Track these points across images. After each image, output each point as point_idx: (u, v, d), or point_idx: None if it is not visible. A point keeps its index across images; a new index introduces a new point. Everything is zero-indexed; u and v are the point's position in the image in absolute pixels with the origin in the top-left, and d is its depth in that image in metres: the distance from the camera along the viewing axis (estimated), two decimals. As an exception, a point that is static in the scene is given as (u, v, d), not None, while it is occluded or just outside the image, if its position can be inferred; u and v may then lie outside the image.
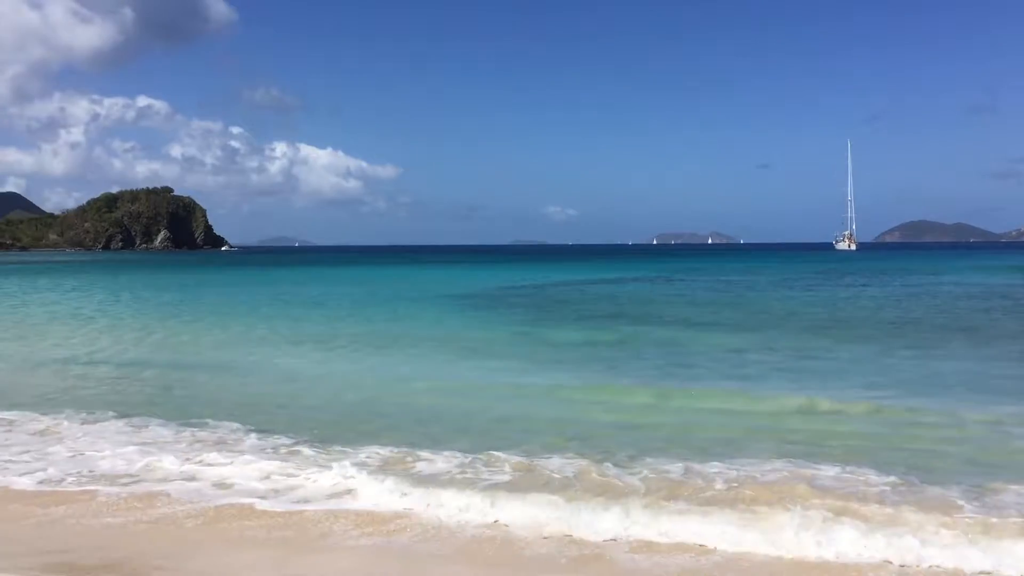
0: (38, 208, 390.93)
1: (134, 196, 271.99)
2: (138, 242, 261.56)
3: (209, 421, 14.13)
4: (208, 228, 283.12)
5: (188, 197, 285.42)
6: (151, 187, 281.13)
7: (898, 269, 77.48)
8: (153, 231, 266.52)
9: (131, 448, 12.22)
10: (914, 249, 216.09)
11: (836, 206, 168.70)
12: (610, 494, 9.69)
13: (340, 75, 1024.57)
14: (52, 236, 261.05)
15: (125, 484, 10.66)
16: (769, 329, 27.08)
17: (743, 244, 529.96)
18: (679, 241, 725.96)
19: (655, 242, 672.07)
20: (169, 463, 11.41)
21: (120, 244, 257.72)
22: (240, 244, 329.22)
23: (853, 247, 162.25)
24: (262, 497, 10.06)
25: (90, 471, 11.24)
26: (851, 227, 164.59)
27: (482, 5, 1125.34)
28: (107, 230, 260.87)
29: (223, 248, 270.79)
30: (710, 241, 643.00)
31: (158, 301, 45.03)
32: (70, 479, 10.92)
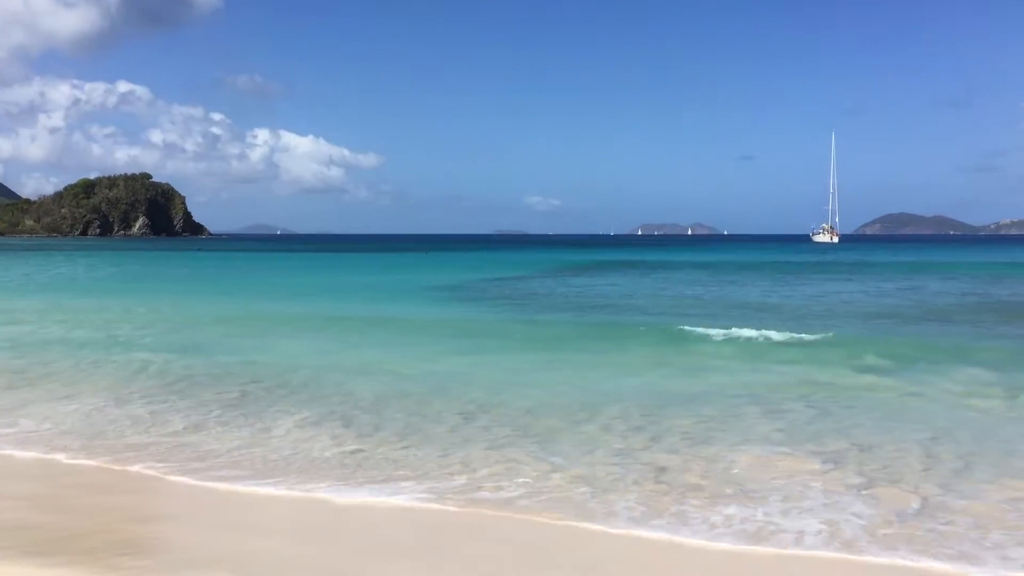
0: (15, 194, 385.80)
1: (112, 182, 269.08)
2: (116, 229, 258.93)
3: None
4: (187, 215, 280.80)
5: (167, 184, 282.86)
6: (130, 173, 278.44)
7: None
8: (131, 218, 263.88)
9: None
10: (899, 242, 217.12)
11: (818, 198, 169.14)
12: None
13: (323, 62, 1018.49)
14: (28, 222, 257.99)
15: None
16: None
17: (726, 235, 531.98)
18: (662, 232, 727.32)
19: (639, 232, 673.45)
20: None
21: (98, 231, 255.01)
22: (220, 232, 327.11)
23: (835, 240, 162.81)
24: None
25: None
26: (833, 219, 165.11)
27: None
28: (84, 216, 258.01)
29: (202, 236, 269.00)
30: (690, 232, 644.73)
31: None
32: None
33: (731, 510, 8.88)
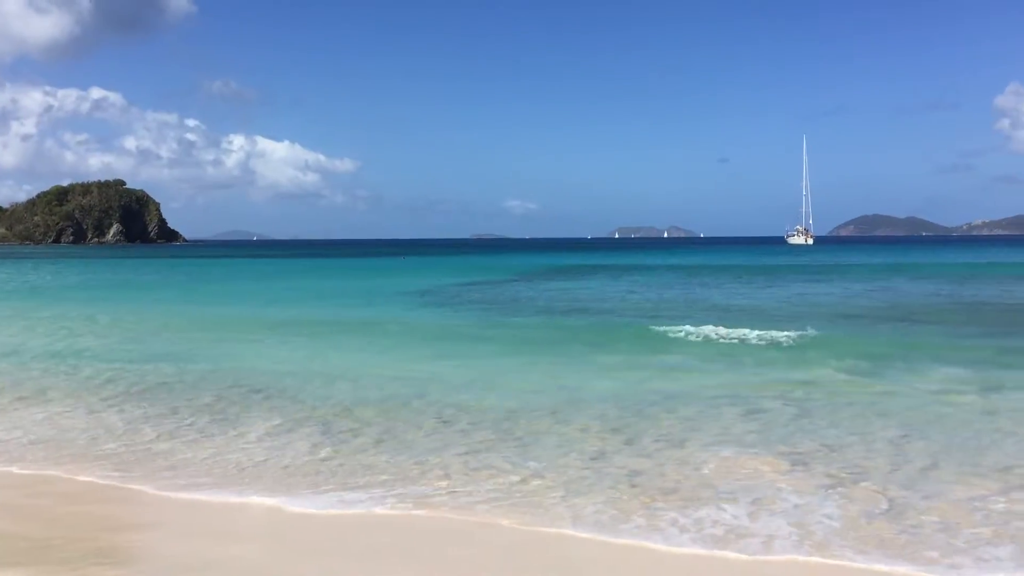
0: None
1: (85, 189, 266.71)
2: (89, 236, 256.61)
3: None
4: (162, 222, 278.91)
5: (141, 190, 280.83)
6: (103, 180, 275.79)
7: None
8: (105, 225, 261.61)
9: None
10: (872, 244, 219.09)
11: (793, 200, 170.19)
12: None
13: (298, 68, 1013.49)
14: (0, 230, 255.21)
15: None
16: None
17: (702, 238, 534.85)
18: (639, 235, 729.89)
19: (616, 235, 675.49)
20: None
21: (71, 238, 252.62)
22: (195, 238, 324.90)
23: (810, 242, 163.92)
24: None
25: None
26: (807, 221, 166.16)
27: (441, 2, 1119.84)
28: (57, 224, 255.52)
29: (177, 242, 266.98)
30: (666, 235, 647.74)
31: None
32: None
33: (702, 513, 8.93)
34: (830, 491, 9.57)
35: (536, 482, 10.11)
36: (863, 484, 9.80)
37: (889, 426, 12.54)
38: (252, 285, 54.00)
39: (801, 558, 7.76)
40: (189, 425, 13.36)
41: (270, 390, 16.17)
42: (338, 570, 7.63)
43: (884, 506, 9.03)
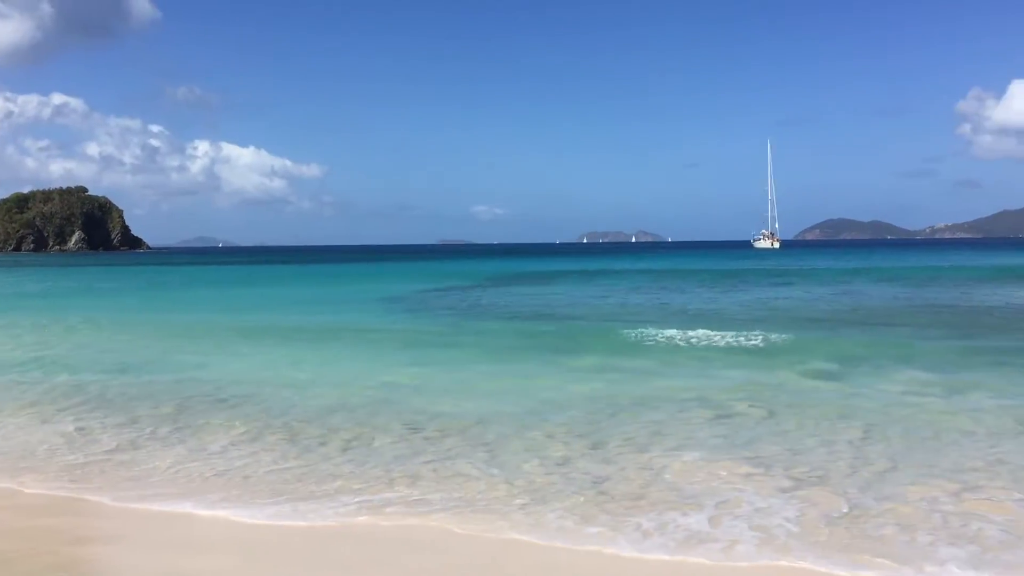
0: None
1: (47, 196, 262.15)
2: (51, 244, 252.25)
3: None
4: (125, 229, 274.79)
5: (104, 197, 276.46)
6: (65, 187, 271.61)
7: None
8: (67, 232, 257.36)
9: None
10: (838, 247, 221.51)
11: (759, 204, 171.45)
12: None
13: (263, 73, 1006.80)
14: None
15: None
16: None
17: (670, 242, 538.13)
18: (607, 240, 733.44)
19: (584, 240, 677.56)
20: None
21: (32, 246, 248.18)
22: (160, 245, 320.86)
23: (776, 245, 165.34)
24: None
25: None
26: (773, 225, 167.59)
27: (407, 2, 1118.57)
28: (18, 231, 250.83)
29: (141, 249, 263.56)
30: (634, 240, 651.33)
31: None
32: None
33: (666, 518, 8.96)
34: (791, 494, 9.65)
35: (502, 489, 10.09)
36: (824, 487, 9.89)
37: (851, 428, 12.67)
38: (216, 292, 53.42)
39: (762, 563, 7.80)
40: (151, 435, 13.16)
41: (234, 399, 15.98)
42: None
43: (844, 509, 9.12)
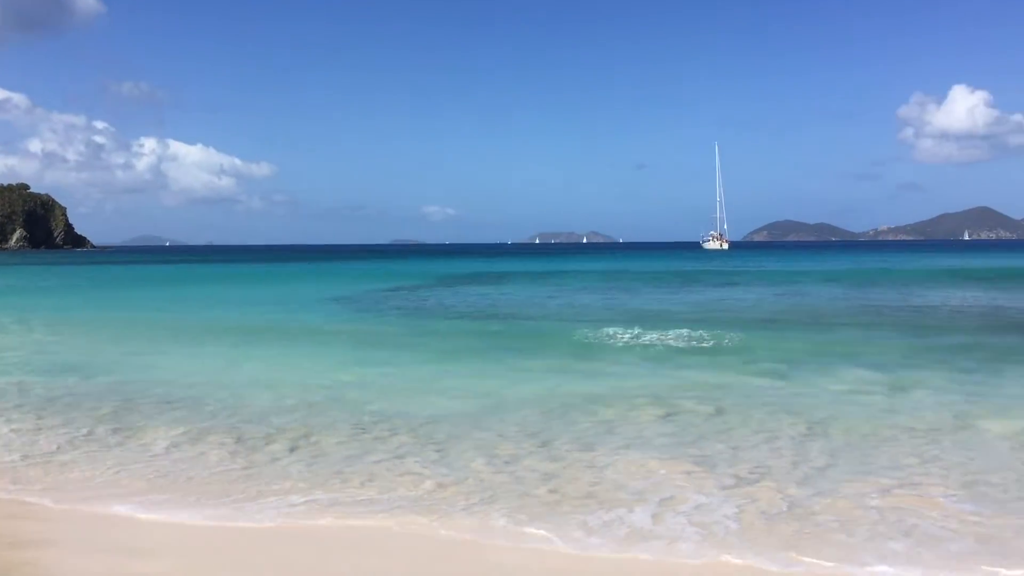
0: None
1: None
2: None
3: None
4: (69, 227, 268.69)
5: (46, 195, 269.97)
6: (6, 184, 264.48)
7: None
8: (7, 231, 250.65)
9: None
10: (785, 248, 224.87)
11: (709, 206, 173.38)
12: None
13: (211, 69, 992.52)
14: None
15: None
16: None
17: (621, 243, 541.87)
18: (558, 240, 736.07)
19: (537, 241, 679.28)
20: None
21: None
22: (104, 244, 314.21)
23: (725, 246, 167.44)
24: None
25: None
26: (722, 227, 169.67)
27: (359, 1, 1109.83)
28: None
29: (85, 248, 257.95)
30: (585, 240, 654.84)
31: None
32: None
33: (611, 515, 9.06)
34: (733, 491, 9.82)
35: (450, 488, 10.10)
36: (765, 483, 10.06)
37: (795, 426, 12.90)
38: (162, 292, 52.48)
39: (702, 560, 7.91)
40: (92, 436, 12.90)
41: (178, 399, 15.74)
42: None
43: (784, 505, 9.29)
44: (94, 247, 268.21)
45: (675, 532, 8.56)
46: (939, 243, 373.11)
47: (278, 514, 9.29)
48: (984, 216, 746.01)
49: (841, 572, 7.59)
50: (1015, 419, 13.15)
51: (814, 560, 7.82)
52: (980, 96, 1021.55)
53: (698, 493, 9.74)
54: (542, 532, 8.62)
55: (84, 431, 13.22)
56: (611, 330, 25.07)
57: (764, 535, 8.46)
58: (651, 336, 23.97)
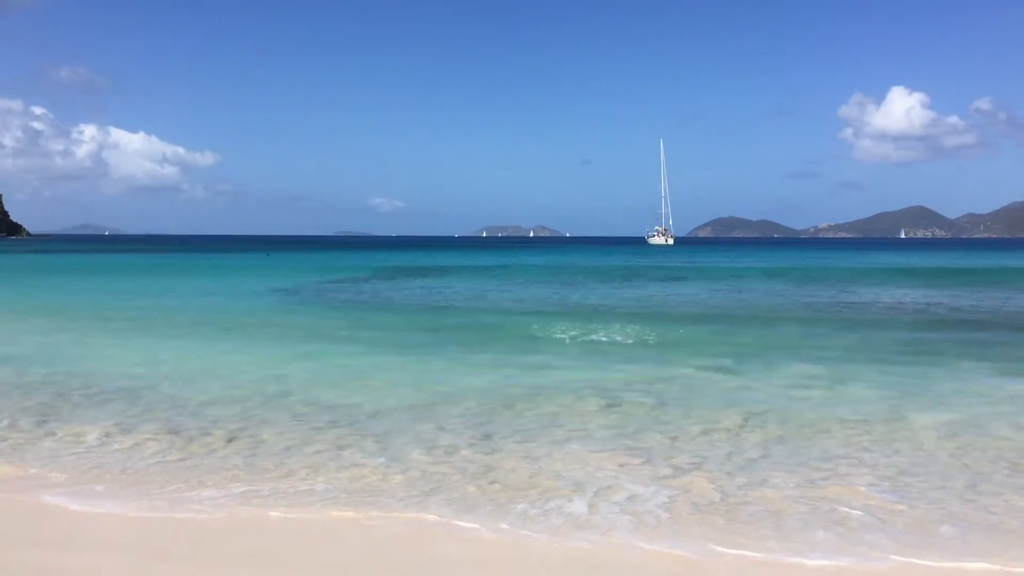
0: None
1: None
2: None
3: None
4: (4, 214, 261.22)
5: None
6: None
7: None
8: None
9: None
10: (728, 245, 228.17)
11: (655, 201, 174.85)
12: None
13: (154, 56, 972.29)
14: None
15: None
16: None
17: (568, 237, 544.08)
18: (506, 234, 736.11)
19: (484, 234, 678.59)
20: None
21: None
22: (41, 232, 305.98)
23: (670, 242, 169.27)
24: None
25: None
26: (666, 223, 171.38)
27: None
28: None
29: (19, 236, 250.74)
30: (532, 234, 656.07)
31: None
32: None
33: (549, 505, 9.18)
34: (668, 481, 9.99)
35: (391, 479, 10.12)
36: (699, 474, 10.25)
37: (733, 418, 13.14)
38: (100, 281, 51.23)
39: (629, 550, 8.02)
40: (24, 428, 12.60)
41: (115, 391, 15.44)
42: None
43: (716, 496, 9.50)
44: (30, 235, 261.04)
45: (609, 521, 8.70)
46: (877, 241, 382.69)
47: (216, 505, 9.21)
48: (920, 215, 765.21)
49: (768, 560, 7.78)
50: (944, 412, 13.57)
51: (740, 551, 7.99)
52: (917, 98, 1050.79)
53: (635, 483, 9.91)
54: (481, 522, 8.69)
55: (18, 423, 12.90)
56: (556, 324, 25.23)
57: (695, 524, 8.65)
58: (596, 330, 24.19)
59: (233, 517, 8.88)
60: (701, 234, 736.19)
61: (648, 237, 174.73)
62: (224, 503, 9.28)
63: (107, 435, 12.16)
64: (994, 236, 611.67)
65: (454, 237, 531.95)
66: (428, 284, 49.32)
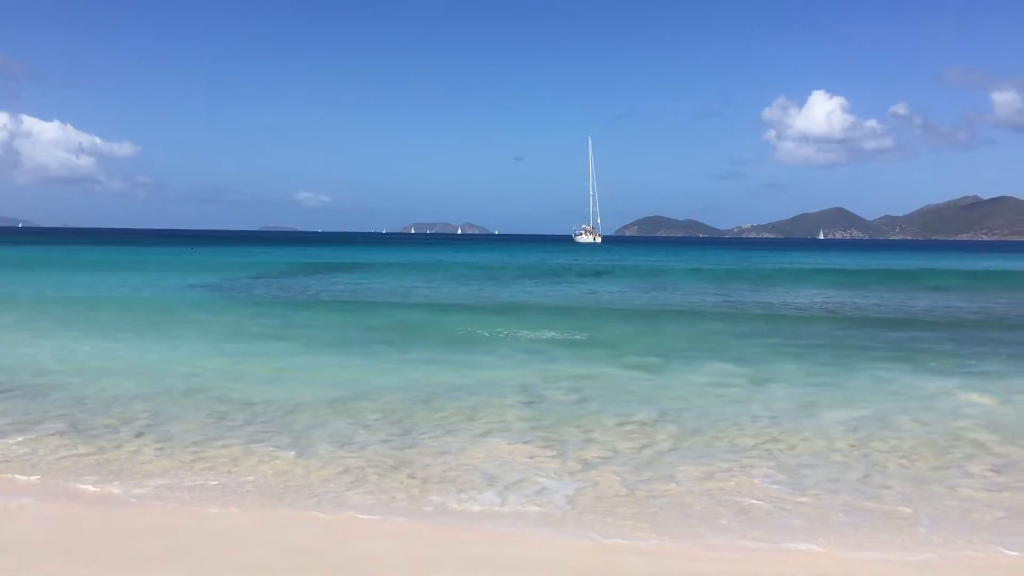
0: None
1: None
2: None
3: None
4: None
5: None
6: None
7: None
8: None
9: None
10: (654, 244, 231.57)
11: (583, 200, 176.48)
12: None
13: (70, 43, 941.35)
14: None
15: None
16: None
17: (496, 234, 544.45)
18: (433, 230, 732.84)
19: (412, 231, 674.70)
20: None
21: None
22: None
23: (598, 240, 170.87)
24: None
25: None
26: (594, 221, 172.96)
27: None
28: None
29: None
30: (460, 231, 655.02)
31: None
32: None
33: (462, 496, 9.35)
34: (578, 475, 10.22)
35: (310, 475, 10.10)
36: (609, 468, 10.50)
37: (650, 414, 13.41)
38: (12, 275, 49.42)
39: (532, 540, 8.21)
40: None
41: (19, 387, 14.97)
42: (106, 573, 7.25)
43: (623, 488, 9.74)
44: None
45: (519, 512, 8.90)
46: (797, 241, 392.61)
47: (125, 501, 9.07)
48: (839, 216, 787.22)
49: (670, 547, 8.05)
50: (852, 409, 14.06)
51: (649, 538, 8.25)
52: (838, 102, 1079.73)
53: (546, 476, 10.12)
54: (397, 514, 8.77)
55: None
56: (482, 321, 25.35)
57: (600, 515, 8.88)
58: (521, 327, 24.37)
59: (139, 513, 8.74)
60: (628, 233, 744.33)
61: (575, 235, 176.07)
62: (129, 499, 9.13)
63: (10, 429, 11.83)
64: (909, 237, 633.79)
65: (382, 233, 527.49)
66: (353, 280, 48.97)
